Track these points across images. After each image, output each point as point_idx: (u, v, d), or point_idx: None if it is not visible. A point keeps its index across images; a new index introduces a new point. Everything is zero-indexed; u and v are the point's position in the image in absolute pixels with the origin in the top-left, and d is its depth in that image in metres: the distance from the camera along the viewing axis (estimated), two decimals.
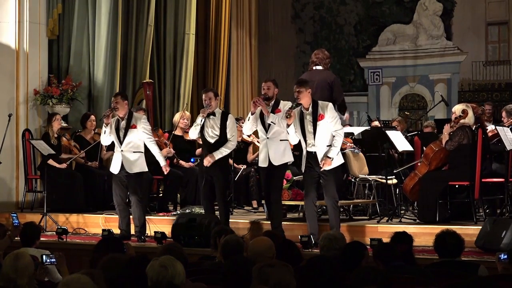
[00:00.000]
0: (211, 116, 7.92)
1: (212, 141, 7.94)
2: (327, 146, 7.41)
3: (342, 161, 7.67)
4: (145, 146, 8.32)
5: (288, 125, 7.45)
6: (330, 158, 7.33)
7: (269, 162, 7.73)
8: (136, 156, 8.24)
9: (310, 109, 7.42)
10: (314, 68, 8.67)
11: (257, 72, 14.50)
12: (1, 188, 10.18)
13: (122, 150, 8.22)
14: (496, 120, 9.94)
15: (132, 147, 8.22)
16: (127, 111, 8.28)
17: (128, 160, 8.21)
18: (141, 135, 8.24)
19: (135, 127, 8.23)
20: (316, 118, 7.38)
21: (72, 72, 10.86)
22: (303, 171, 7.59)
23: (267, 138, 7.76)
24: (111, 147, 8.89)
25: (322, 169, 7.37)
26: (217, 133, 7.91)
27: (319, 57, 8.67)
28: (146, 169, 8.38)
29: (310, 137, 7.42)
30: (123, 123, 8.23)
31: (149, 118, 9.93)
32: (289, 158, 7.81)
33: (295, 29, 15.98)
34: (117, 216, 8.37)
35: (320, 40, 15.82)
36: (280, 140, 7.72)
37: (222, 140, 7.91)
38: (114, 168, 8.26)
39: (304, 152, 7.50)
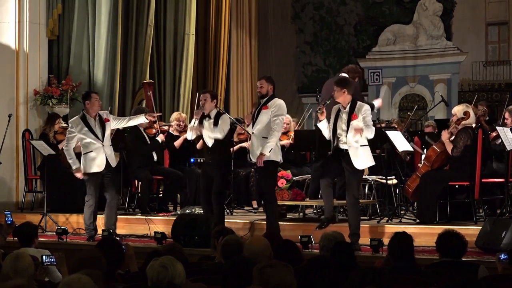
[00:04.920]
0: (207, 119, 7.94)
1: (210, 144, 7.97)
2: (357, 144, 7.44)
3: (373, 163, 7.63)
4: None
5: (319, 121, 7.53)
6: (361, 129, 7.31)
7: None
8: (112, 150, 8.37)
9: (348, 108, 7.45)
10: (340, 74, 8.76)
11: (257, 72, 14.50)
12: (1, 188, 10.18)
13: (103, 145, 8.20)
14: (495, 119, 9.92)
15: (109, 141, 8.32)
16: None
17: (110, 155, 8.28)
18: (112, 125, 8.36)
19: (107, 120, 8.31)
20: (350, 117, 7.41)
21: (72, 72, 10.86)
22: (327, 157, 7.62)
23: (252, 133, 7.79)
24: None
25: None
26: (213, 136, 7.94)
27: (349, 69, 8.79)
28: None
29: (342, 135, 7.43)
30: (93, 121, 8.22)
31: None
32: (272, 156, 7.67)
33: (295, 29, 15.97)
34: (91, 214, 8.29)
35: (320, 40, 15.82)
36: (263, 137, 7.69)
37: (219, 143, 7.91)
38: (99, 166, 8.18)
39: (332, 150, 7.52)
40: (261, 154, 7.60)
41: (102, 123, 8.25)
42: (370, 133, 7.41)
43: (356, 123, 7.35)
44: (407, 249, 4.88)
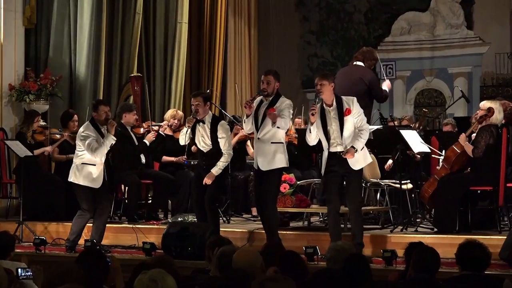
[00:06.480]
0: (201, 124, 7.95)
1: (205, 150, 8.03)
2: None
3: (370, 160, 7.66)
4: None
5: (311, 123, 7.37)
6: (355, 148, 7.25)
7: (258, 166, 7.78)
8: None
9: (334, 104, 7.37)
10: (354, 63, 8.72)
11: (257, 65, 14.50)
12: None
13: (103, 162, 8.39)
14: None
15: None
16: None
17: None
18: None
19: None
20: (342, 113, 7.34)
21: (52, 65, 10.85)
22: (322, 174, 7.54)
23: (258, 139, 7.75)
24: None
25: (345, 170, 7.33)
26: (209, 142, 7.95)
27: (365, 56, 8.77)
28: None
29: (335, 136, 7.35)
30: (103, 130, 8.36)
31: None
32: (280, 163, 7.70)
33: (299, 17, 15.97)
34: (82, 227, 8.39)
35: (327, 29, 15.82)
36: (272, 142, 7.67)
37: (215, 149, 7.93)
38: (93, 183, 8.28)
39: (326, 154, 7.42)
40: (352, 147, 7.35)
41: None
42: (367, 133, 7.40)
43: (350, 118, 7.28)
44: (432, 268, 4.89)
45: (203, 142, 8.01)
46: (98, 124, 8.34)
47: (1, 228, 8.44)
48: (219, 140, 7.93)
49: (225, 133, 7.98)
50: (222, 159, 7.91)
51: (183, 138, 8.09)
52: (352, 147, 7.27)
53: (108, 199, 8.62)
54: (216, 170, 7.89)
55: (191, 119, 7.98)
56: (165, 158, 9.86)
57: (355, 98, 7.46)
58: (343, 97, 7.43)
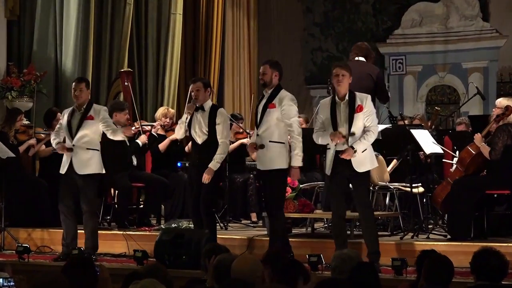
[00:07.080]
0: (200, 111, 7.90)
1: (200, 141, 7.91)
2: None
3: (377, 165, 7.67)
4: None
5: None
6: (354, 149, 7.23)
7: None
8: (89, 154, 8.25)
9: (347, 98, 7.35)
10: (356, 58, 8.73)
11: (257, 59, 14.51)
12: None
13: (73, 145, 8.21)
14: None
15: (86, 142, 8.24)
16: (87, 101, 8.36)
17: (80, 159, 8.23)
18: (99, 127, 8.30)
19: (91, 118, 8.26)
20: (353, 109, 7.32)
21: (36, 59, 10.86)
22: (327, 175, 7.48)
23: (257, 135, 7.71)
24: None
25: (350, 171, 7.31)
26: (206, 131, 7.87)
27: (365, 52, 8.82)
28: (102, 171, 8.39)
29: (343, 133, 7.29)
30: (77, 114, 8.27)
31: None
32: (280, 164, 7.61)
33: (302, 8, 16.00)
34: (66, 227, 8.33)
35: (332, 21, 15.84)
36: (270, 141, 7.62)
37: (212, 140, 7.87)
38: (60, 169, 8.25)
39: (332, 152, 7.38)
40: (292, 167, 7.49)
41: (83, 119, 8.27)
42: (375, 136, 7.40)
43: (361, 116, 7.30)
44: (445, 278, 4.90)
45: (200, 131, 7.89)
46: (75, 108, 8.29)
47: None
48: (216, 127, 7.87)
49: (223, 119, 7.90)
50: (218, 151, 7.83)
51: (179, 131, 8.05)
52: (351, 147, 7.26)
53: (89, 203, 8.33)
54: (214, 164, 7.81)
55: (191, 106, 7.89)
56: (162, 145, 9.84)
57: (369, 96, 7.42)
58: (357, 93, 7.39)
